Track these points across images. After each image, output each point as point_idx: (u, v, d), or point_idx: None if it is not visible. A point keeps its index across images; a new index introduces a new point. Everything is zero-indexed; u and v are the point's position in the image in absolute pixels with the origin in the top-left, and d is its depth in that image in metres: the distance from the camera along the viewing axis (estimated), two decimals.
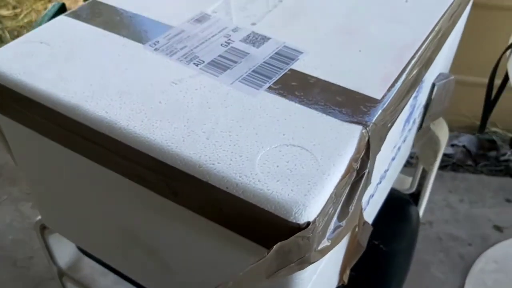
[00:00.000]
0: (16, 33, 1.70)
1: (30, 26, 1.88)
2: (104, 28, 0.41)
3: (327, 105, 0.35)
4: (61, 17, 0.43)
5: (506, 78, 0.66)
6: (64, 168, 0.40)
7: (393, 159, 0.47)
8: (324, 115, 0.34)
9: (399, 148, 0.49)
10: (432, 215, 1.10)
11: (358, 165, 0.33)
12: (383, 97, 0.35)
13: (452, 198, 1.13)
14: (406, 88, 0.38)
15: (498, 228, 1.08)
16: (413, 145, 0.57)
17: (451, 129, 1.49)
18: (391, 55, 0.39)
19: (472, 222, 1.09)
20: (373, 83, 0.36)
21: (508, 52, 0.63)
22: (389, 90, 0.36)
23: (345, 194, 0.32)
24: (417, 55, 0.40)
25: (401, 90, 0.37)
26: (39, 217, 0.54)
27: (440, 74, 0.53)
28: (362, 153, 0.33)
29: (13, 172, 1.12)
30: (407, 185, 0.72)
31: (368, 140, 0.33)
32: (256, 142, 0.32)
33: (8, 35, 1.68)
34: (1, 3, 1.80)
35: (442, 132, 0.62)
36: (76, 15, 0.43)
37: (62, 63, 0.38)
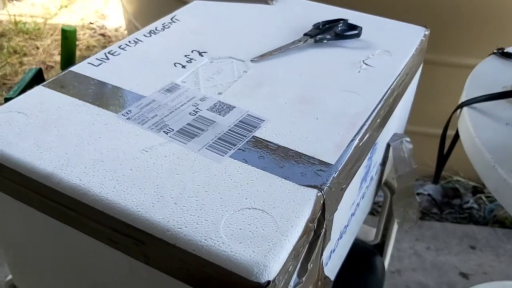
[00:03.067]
0: None
1: (5, 79, 1.90)
2: (79, 98, 0.44)
3: (286, 170, 0.38)
4: (38, 88, 0.46)
5: (458, 132, 0.70)
6: (38, 231, 0.42)
7: (352, 215, 0.51)
8: (283, 179, 0.37)
9: (358, 204, 0.52)
10: (401, 264, 1.13)
11: (315, 225, 0.36)
12: (336, 162, 0.39)
13: (419, 246, 1.17)
14: (358, 152, 0.42)
15: (464, 275, 1.11)
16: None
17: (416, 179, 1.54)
18: (345, 122, 0.43)
19: (439, 270, 1.12)
20: (327, 149, 0.40)
21: (458, 111, 0.68)
22: (342, 155, 0.39)
23: (304, 253, 0.35)
24: (368, 122, 0.44)
25: (354, 155, 0.41)
26: (10, 276, 0.55)
27: (394, 135, 0.57)
28: (318, 214, 0.36)
29: None
30: (372, 237, 0.74)
31: (324, 202, 0.36)
32: (221, 206, 0.34)
33: None
34: None
35: None
36: (53, 85, 0.46)
37: (38, 133, 0.40)
